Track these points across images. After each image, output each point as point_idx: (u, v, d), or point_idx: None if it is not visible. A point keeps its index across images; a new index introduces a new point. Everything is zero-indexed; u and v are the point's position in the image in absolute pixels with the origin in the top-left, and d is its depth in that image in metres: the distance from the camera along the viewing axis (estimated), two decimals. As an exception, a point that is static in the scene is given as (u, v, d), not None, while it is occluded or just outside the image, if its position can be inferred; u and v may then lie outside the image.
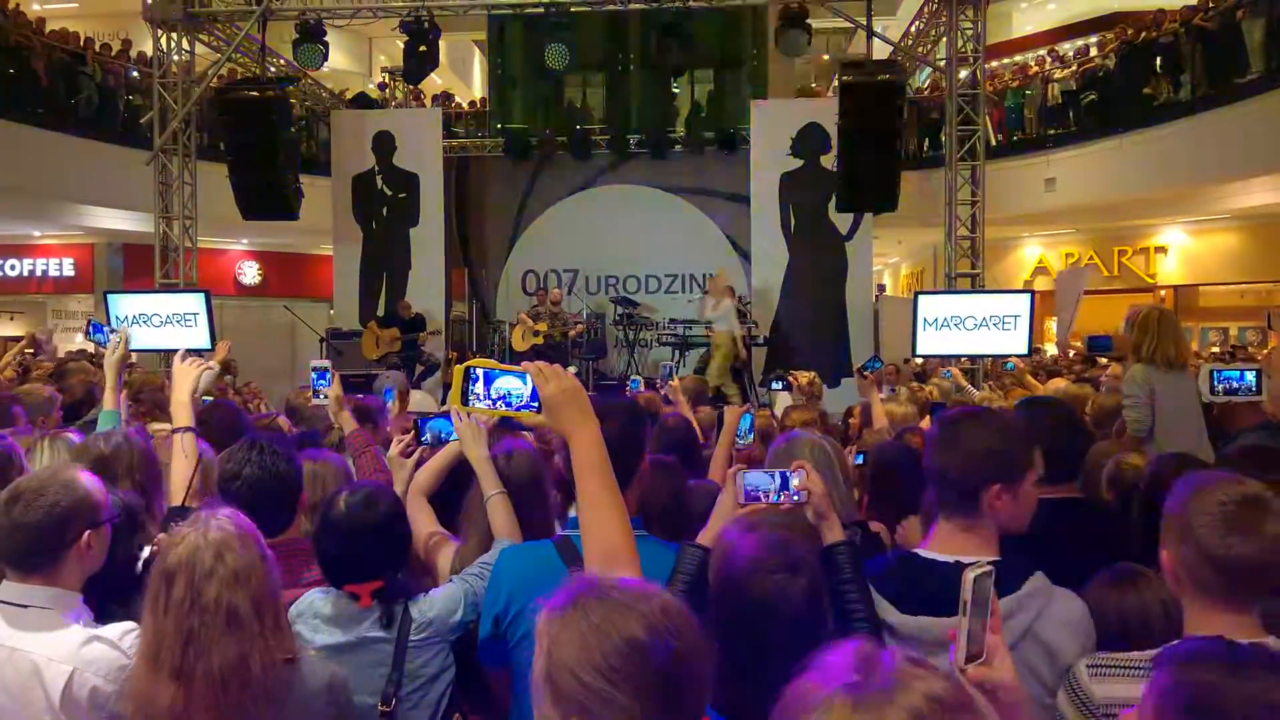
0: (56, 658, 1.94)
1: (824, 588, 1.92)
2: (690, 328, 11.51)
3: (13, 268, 18.93)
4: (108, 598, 2.15)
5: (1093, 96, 14.14)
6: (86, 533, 2.04)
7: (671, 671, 1.20)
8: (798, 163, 12.23)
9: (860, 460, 3.70)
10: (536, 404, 1.71)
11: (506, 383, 1.72)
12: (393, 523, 2.41)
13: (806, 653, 1.71)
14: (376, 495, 2.44)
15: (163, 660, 1.76)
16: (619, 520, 1.72)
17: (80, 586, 2.08)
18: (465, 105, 17.71)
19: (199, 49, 11.74)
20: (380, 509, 2.38)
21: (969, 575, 1.41)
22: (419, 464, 3.09)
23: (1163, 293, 17.17)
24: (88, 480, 2.14)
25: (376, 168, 12.93)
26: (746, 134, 13.01)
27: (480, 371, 1.72)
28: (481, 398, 1.72)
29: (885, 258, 22.41)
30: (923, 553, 2.07)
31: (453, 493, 2.90)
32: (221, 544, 1.81)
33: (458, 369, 1.72)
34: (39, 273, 18.93)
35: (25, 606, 1.99)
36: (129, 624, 2.02)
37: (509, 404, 1.72)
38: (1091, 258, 17.90)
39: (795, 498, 2.12)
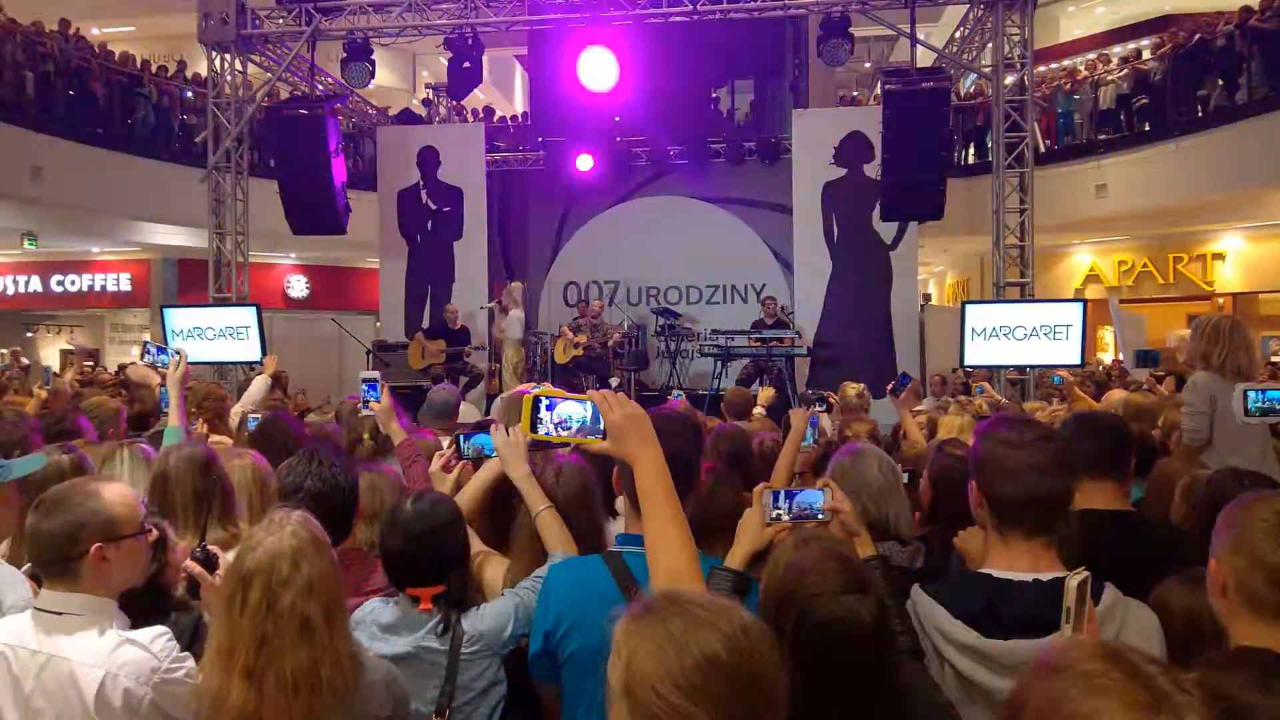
0: (90, 662, 2.00)
1: (892, 607, 1.89)
2: (733, 338, 11.49)
3: (73, 283, 19.50)
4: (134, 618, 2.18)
5: (1144, 100, 13.93)
6: (95, 545, 2.07)
7: (750, 691, 1.20)
8: (840, 172, 12.17)
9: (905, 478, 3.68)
10: (601, 431, 1.77)
11: (572, 410, 1.79)
12: (456, 527, 2.50)
13: (876, 673, 1.70)
14: (442, 500, 2.55)
15: (235, 661, 1.84)
16: (684, 543, 1.76)
17: (114, 594, 2.14)
18: (507, 119, 17.89)
19: (250, 69, 12.00)
20: (445, 513, 2.48)
21: (1072, 582, 1.43)
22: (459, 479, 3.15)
23: (1221, 300, 16.81)
24: (113, 493, 2.16)
25: (421, 182, 13.12)
26: (788, 143, 12.99)
27: (547, 400, 1.79)
28: (548, 425, 1.79)
29: (930, 267, 22.18)
30: (996, 573, 2.01)
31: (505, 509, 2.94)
32: (298, 552, 1.90)
33: (526, 399, 1.79)
34: (97, 288, 19.48)
35: (60, 614, 2.06)
36: (160, 628, 2.09)
37: (574, 431, 1.79)
38: (1145, 265, 17.61)
39: (820, 516, 2.15)
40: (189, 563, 2.22)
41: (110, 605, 2.12)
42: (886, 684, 1.75)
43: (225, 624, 1.89)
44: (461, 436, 3.20)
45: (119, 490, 2.20)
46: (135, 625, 2.13)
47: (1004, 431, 2.05)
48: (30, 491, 2.58)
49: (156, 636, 2.07)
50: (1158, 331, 13.48)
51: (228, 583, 1.91)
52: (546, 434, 1.79)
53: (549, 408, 1.78)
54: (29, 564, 2.67)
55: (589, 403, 1.78)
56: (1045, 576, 1.95)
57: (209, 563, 2.21)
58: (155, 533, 2.25)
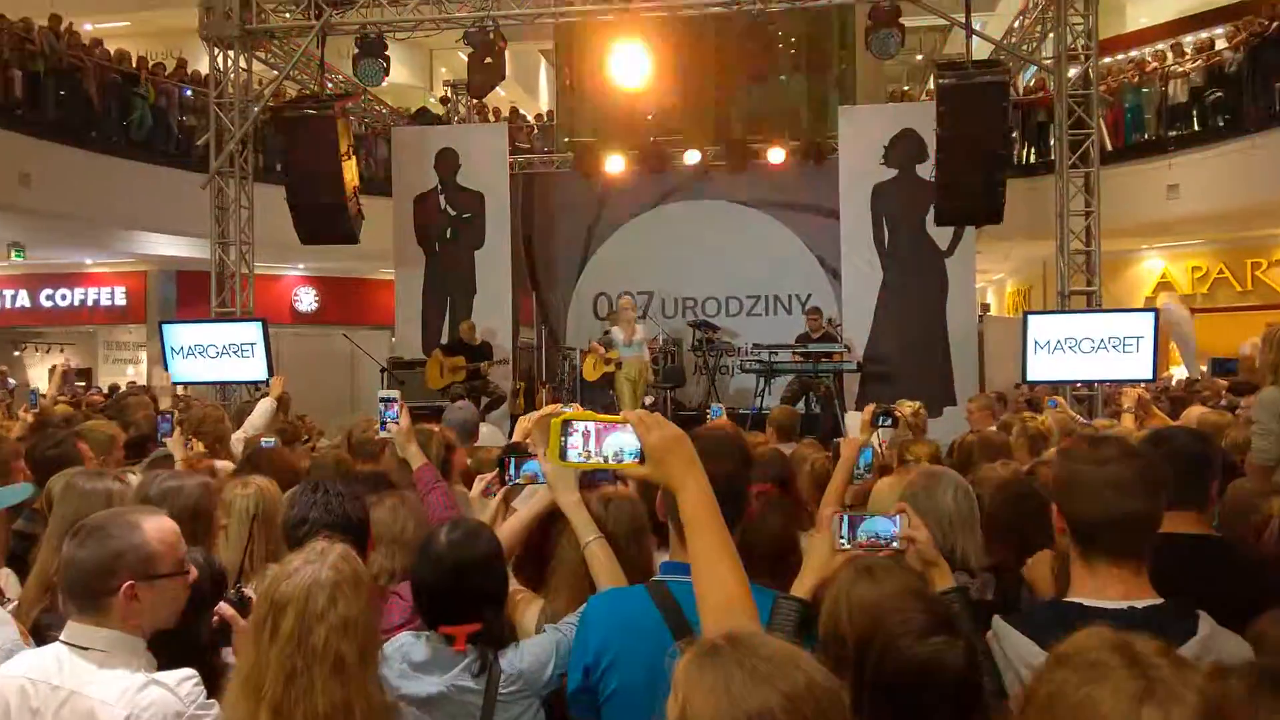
0: (112, 701, 2.00)
1: (979, 646, 1.88)
2: (776, 353, 11.42)
3: (63, 298, 19.64)
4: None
5: (1219, 94, 13.82)
6: (128, 583, 2.07)
7: None
8: (891, 172, 12.08)
9: None
10: (639, 455, 1.72)
11: (605, 433, 1.73)
12: (494, 560, 2.46)
13: (964, 718, 1.68)
14: (479, 530, 2.51)
15: (264, 693, 1.83)
16: (734, 570, 1.73)
17: (144, 633, 2.14)
18: (531, 118, 17.94)
19: (256, 67, 12.08)
20: (481, 546, 2.44)
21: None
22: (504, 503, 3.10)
23: (1303, 309, 16.62)
24: (154, 527, 2.16)
25: (439, 187, 13.12)
26: (834, 142, 12.93)
27: (577, 424, 1.74)
28: (579, 451, 1.73)
29: (988, 274, 22.05)
30: (1086, 602, 2.01)
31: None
32: (335, 587, 1.89)
33: (554, 422, 1.73)
34: (90, 302, 19.62)
35: (86, 649, 2.07)
36: (188, 670, 2.09)
37: (609, 457, 1.74)
38: (1221, 271, 17.43)
39: (894, 545, 2.11)
40: (222, 605, 2.22)
41: (139, 644, 2.13)
42: None
43: (252, 654, 1.89)
44: (510, 460, 3.15)
45: (161, 525, 2.19)
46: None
47: (1085, 449, 2.08)
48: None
49: (184, 680, 2.07)
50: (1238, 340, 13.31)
51: (259, 607, 1.92)
52: (577, 460, 1.74)
53: (579, 431, 1.73)
54: (12, 602, 2.67)
55: (625, 425, 1.73)
56: (1140, 604, 1.97)
57: (243, 606, 2.20)
58: (194, 573, 2.24)
